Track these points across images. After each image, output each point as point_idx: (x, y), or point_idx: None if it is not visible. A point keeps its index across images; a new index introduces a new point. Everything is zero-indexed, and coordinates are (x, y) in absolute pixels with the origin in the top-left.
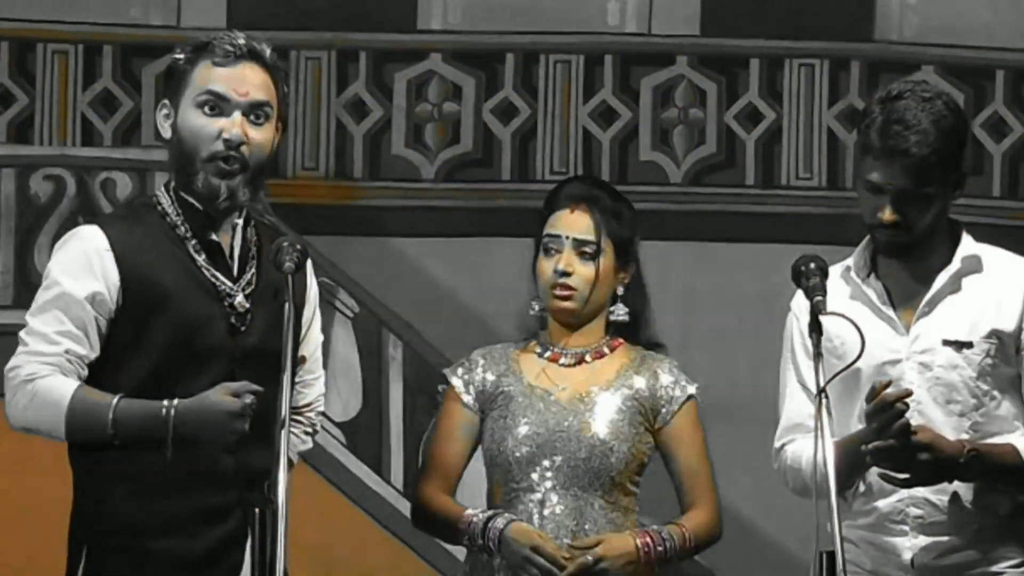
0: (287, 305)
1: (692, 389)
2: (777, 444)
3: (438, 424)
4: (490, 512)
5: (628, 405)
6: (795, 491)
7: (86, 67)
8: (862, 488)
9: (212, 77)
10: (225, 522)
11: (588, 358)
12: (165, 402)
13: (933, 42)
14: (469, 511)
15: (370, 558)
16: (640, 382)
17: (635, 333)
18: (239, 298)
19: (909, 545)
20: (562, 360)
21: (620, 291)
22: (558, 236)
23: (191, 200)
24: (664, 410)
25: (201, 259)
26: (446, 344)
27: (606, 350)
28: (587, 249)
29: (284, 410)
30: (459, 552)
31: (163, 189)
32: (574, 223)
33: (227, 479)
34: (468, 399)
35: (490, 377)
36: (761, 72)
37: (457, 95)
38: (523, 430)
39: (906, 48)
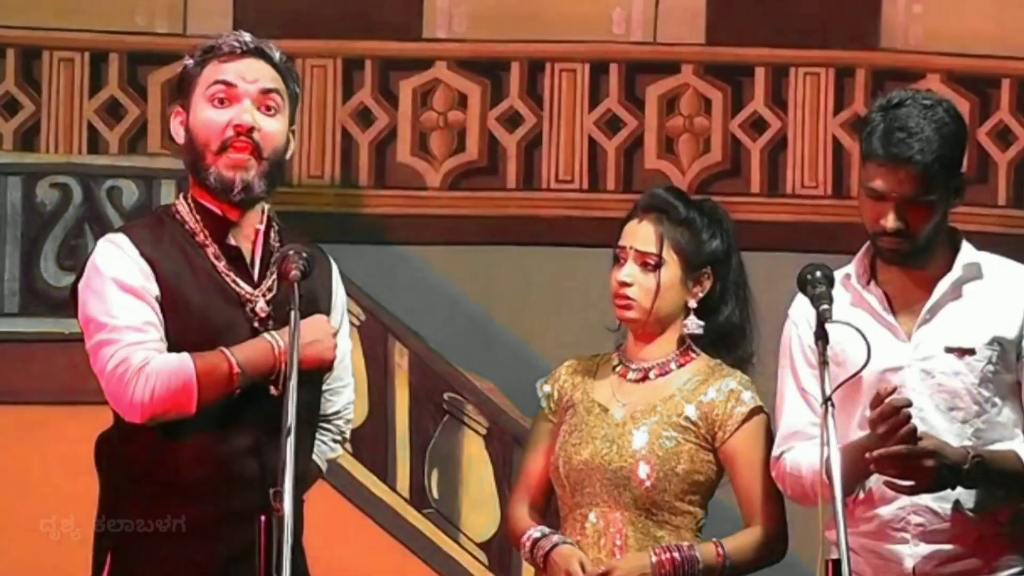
0: (292, 313)
1: (753, 405)
2: (776, 452)
3: (528, 437)
4: (543, 532)
5: (683, 423)
6: (793, 499)
7: (92, 75)
8: (862, 495)
9: (221, 70)
10: (251, 526)
11: (652, 375)
12: (267, 336)
13: (939, 50)
14: (528, 531)
15: (376, 565)
16: (701, 398)
17: (730, 348)
18: (260, 303)
19: (910, 553)
20: (629, 376)
21: (693, 304)
22: (624, 247)
23: (209, 206)
24: (723, 427)
25: (221, 265)
26: (452, 352)
27: (673, 366)
28: (649, 260)
29: (289, 418)
30: (466, 560)
31: (181, 198)
32: (638, 234)
33: (253, 483)
34: (548, 412)
35: (567, 389)
36: (767, 80)
37: (463, 103)
38: (575, 447)
39: (912, 56)
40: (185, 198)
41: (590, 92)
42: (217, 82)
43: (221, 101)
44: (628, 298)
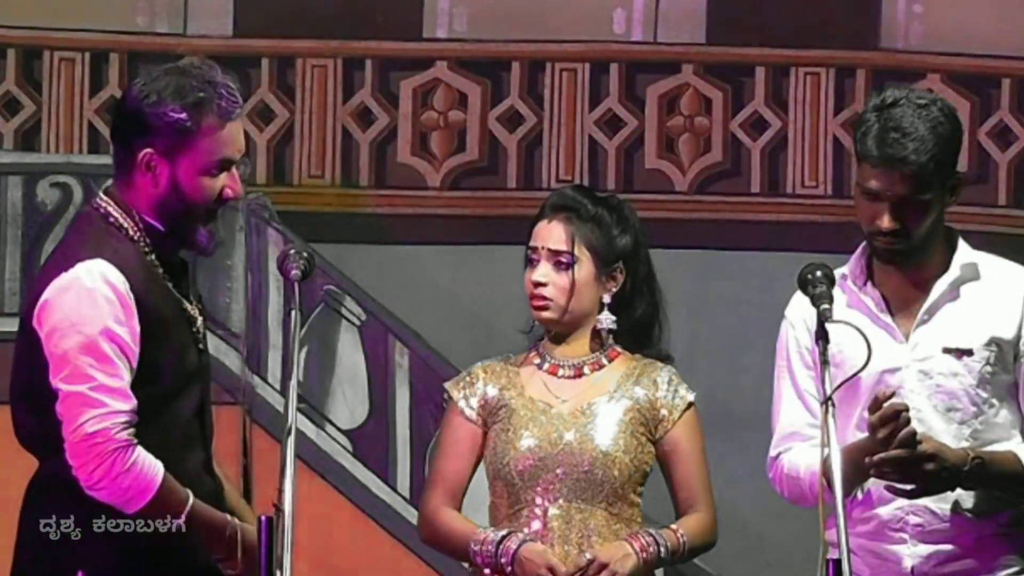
0: (293, 313)
1: (691, 397)
2: (773, 453)
3: (441, 438)
4: (503, 531)
5: (629, 416)
6: (790, 499)
7: (93, 75)
8: (859, 496)
9: (222, 141)
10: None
11: (587, 370)
12: (230, 520)
13: (938, 51)
14: (480, 530)
15: (376, 564)
16: (639, 392)
17: (645, 343)
18: (199, 321)
19: (909, 553)
20: (561, 372)
21: (607, 299)
22: (535, 247)
23: (154, 224)
24: (664, 420)
25: (170, 286)
26: (452, 351)
27: (604, 361)
28: (562, 259)
29: (291, 417)
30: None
31: (121, 211)
32: (549, 234)
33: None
34: (470, 412)
35: (492, 390)
36: (767, 80)
37: (463, 103)
38: (525, 443)
39: (911, 56)
40: (128, 213)
41: (590, 92)
42: (220, 160)
43: (218, 170)
44: (544, 298)
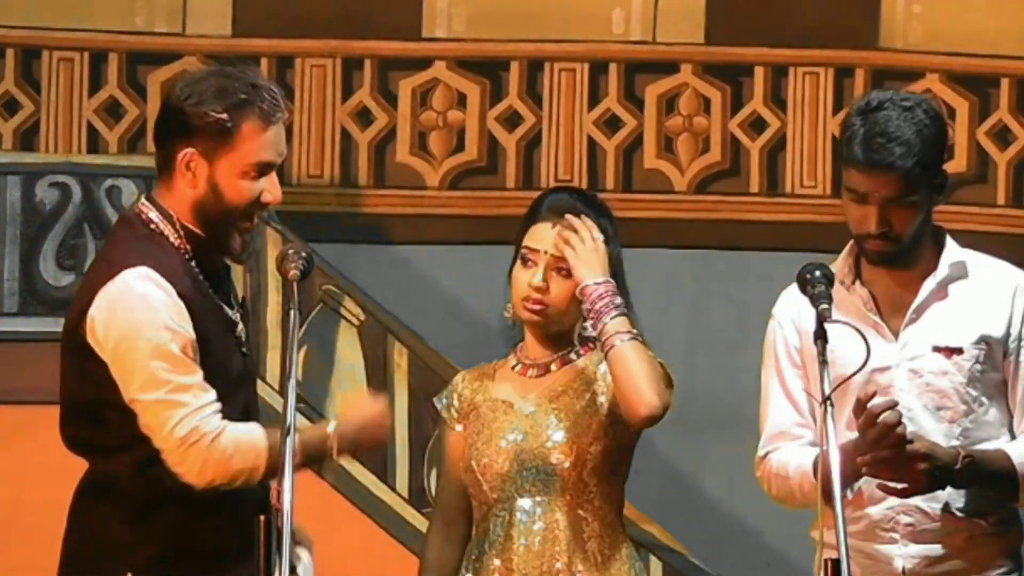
0: (292, 312)
1: (659, 361)
2: (760, 452)
3: (442, 454)
4: None
5: (596, 402)
6: (778, 499)
7: (92, 74)
8: (850, 496)
9: (263, 144)
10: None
11: (554, 367)
12: (327, 427)
13: (938, 50)
14: None
15: (375, 565)
16: (603, 368)
17: None
18: (240, 326)
19: (900, 553)
20: (530, 372)
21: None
22: (536, 249)
23: (195, 230)
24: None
25: (212, 292)
26: (451, 351)
27: (573, 356)
28: (565, 266)
29: (289, 417)
30: None
31: (162, 217)
32: (555, 240)
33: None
34: (454, 423)
35: (467, 395)
36: (765, 80)
37: (462, 103)
38: (490, 445)
39: (911, 56)
40: (167, 218)
41: (589, 92)
42: (260, 163)
43: (259, 173)
44: (542, 303)
